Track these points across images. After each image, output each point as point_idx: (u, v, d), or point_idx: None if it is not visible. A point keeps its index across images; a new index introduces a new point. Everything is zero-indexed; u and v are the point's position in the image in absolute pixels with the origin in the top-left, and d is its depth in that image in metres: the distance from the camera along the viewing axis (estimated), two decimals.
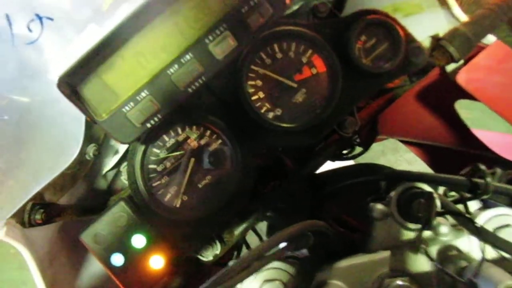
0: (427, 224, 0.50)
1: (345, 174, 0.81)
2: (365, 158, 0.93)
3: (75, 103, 0.51)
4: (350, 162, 0.96)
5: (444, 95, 0.85)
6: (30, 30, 0.51)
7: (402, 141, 1.13)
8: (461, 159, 0.93)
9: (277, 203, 0.84)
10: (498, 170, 0.55)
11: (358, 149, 0.98)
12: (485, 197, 0.52)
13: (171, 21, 0.51)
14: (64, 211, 0.64)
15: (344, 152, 0.98)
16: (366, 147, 0.95)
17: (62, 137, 0.64)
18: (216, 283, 0.45)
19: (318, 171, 0.83)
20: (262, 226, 1.00)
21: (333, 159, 0.97)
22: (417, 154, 1.15)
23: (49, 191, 0.63)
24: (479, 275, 0.44)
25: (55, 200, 0.65)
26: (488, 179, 0.51)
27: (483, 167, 0.53)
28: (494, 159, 0.84)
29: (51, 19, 0.53)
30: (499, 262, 0.52)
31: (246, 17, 0.54)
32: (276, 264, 0.60)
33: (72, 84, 0.50)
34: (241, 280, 0.47)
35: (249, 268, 0.48)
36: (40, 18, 0.51)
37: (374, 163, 0.84)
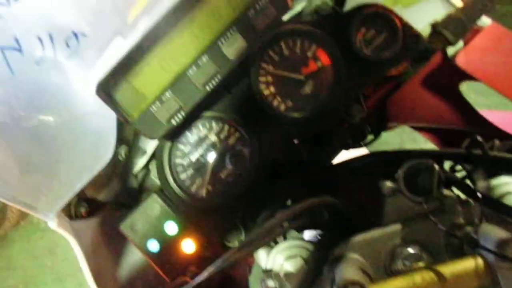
0: (430, 193, 0.55)
1: (356, 161, 0.85)
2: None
3: (110, 106, 0.58)
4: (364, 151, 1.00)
5: (448, 78, 0.89)
6: (67, 46, 0.58)
7: (415, 128, 1.16)
8: None
9: (296, 192, 0.89)
10: (497, 141, 0.59)
11: (370, 138, 1.02)
12: (483, 166, 0.56)
13: (187, 29, 0.58)
14: (103, 206, 0.72)
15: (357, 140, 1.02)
16: (376, 134, 0.99)
17: (98, 141, 0.71)
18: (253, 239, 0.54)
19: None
20: None
21: (346, 147, 1.02)
22: (431, 140, 1.18)
23: (90, 188, 0.70)
24: (478, 232, 0.48)
25: (95, 196, 0.72)
26: (486, 149, 0.55)
27: (480, 138, 0.57)
28: (505, 137, 0.87)
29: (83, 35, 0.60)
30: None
31: (253, 20, 0.60)
32: (296, 242, 0.66)
33: (107, 89, 0.57)
34: (268, 240, 0.56)
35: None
36: (75, 35, 0.59)
37: (383, 150, 0.88)
